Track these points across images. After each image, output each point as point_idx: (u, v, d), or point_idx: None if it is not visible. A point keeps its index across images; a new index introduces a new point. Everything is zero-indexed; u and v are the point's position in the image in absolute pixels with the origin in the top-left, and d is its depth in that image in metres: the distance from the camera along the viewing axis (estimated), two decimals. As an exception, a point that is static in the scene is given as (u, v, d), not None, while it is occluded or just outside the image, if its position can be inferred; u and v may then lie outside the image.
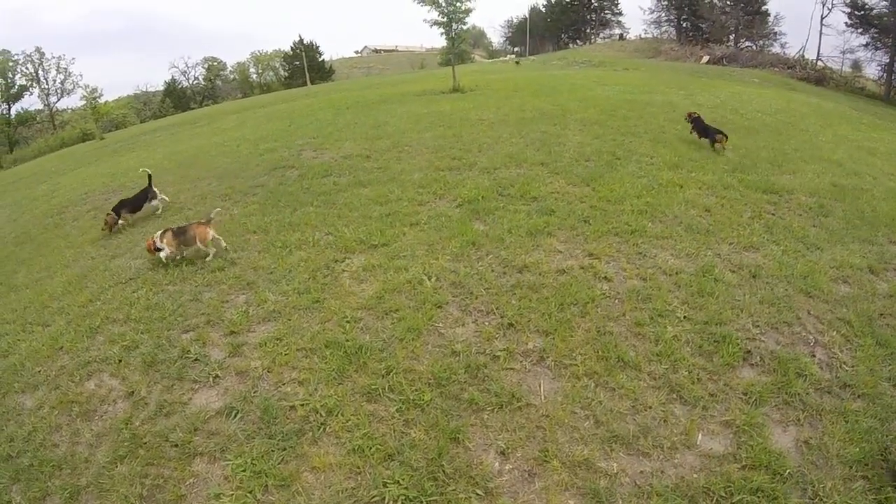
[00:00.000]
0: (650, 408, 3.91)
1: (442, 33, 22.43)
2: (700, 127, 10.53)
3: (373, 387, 4.26)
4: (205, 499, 3.62)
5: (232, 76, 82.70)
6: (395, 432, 3.86)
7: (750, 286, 5.33)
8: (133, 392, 4.71)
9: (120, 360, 5.16)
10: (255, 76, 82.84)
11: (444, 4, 21.25)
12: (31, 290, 7.49)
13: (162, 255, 6.93)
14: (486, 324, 4.89)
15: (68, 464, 4.12)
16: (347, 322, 5.09)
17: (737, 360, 4.34)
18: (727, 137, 10.04)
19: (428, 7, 21.40)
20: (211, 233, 6.94)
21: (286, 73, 79.18)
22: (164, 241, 6.90)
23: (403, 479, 3.50)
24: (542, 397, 4.07)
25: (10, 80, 62.06)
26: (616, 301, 5.11)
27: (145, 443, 4.14)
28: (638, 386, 4.10)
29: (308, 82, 68.50)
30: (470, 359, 4.44)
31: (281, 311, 5.45)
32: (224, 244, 7.15)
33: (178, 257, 7.06)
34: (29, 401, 4.95)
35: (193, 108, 64.06)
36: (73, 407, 4.69)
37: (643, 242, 6.16)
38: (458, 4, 21.27)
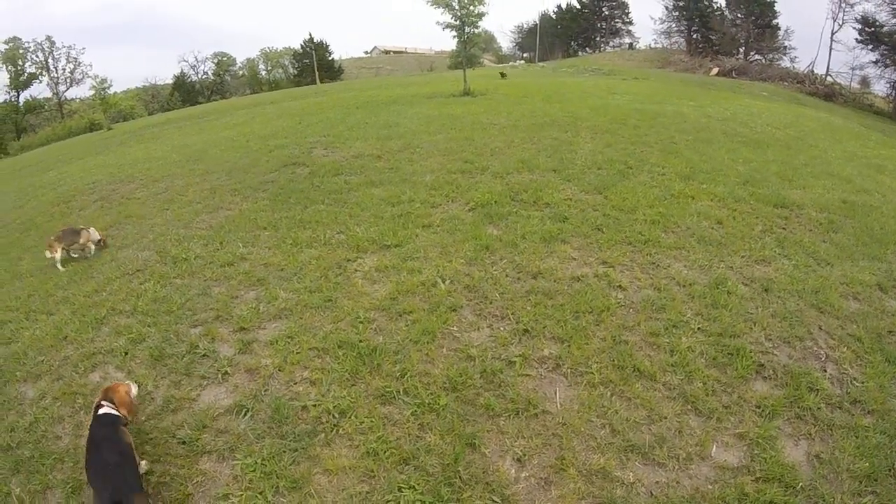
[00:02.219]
0: (665, 418, 3.90)
1: (454, 36, 22.50)
2: None
3: (387, 389, 4.23)
4: (213, 498, 3.59)
5: (241, 72, 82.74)
6: (410, 436, 3.83)
7: (762, 299, 5.32)
8: (139, 386, 4.63)
9: (126, 353, 5.12)
10: (264, 73, 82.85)
11: (457, 7, 21.26)
12: (35, 277, 7.45)
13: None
14: (501, 329, 4.86)
15: (71, 457, 4.08)
16: (360, 322, 5.06)
17: (750, 372, 4.33)
18: None
19: (441, 9, 21.40)
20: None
21: (295, 71, 79.32)
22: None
23: (419, 485, 3.47)
24: (559, 405, 4.05)
25: (19, 68, 62.24)
26: (630, 310, 5.09)
27: (151, 438, 4.10)
28: (653, 396, 4.08)
29: (317, 81, 68.64)
30: (485, 364, 4.41)
31: (292, 309, 5.41)
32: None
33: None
34: (31, 390, 4.91)
35: (202, 103, 64.14)
36: (76, 399, 4.64)
37: (656, 252, 6.14)
38: (472, 8, 21.27)
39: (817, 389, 4.18)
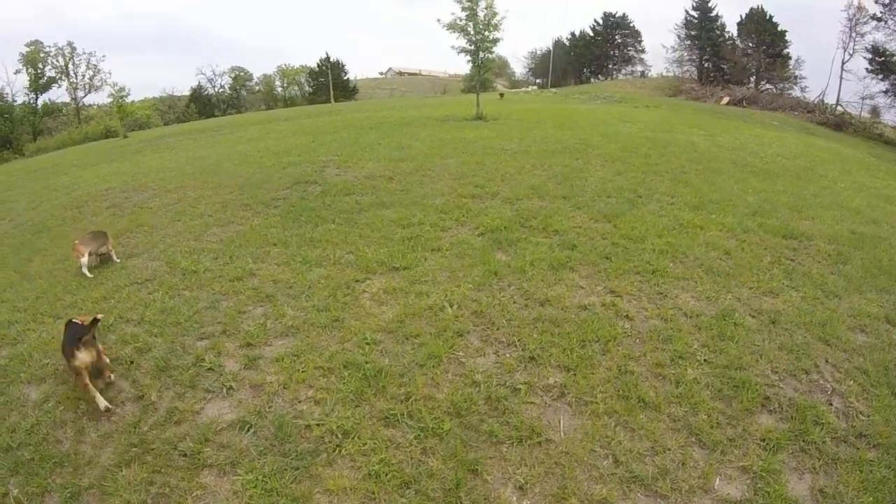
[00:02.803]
0: (669, 450, 3.87)
1: (469, 61, 22.82)
2: None
3: (391, 412, 4.22)
4: None
5: (257, 87, 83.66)
6: (413, 460, 3.82)
7: (769, 332, 5.29)
8: (143, 396, 4.69)
9: (132, 362, 5.15)
10: (279, 89, 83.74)
11: (472, 33, 21.61)
12: (44, 280, 7.51)
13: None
14: (508, 355, 4.85)
15: (71, 462, 4.09)
16: (367, 344, 5.07)
17: (755, 405, 4.30)
18: None
19: (457, 34, 21.81)
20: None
21: (310, 89, 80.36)
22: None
23: None
24: (562, 433, 4.03)
25: (39, 71, 63.24)
26: (637, 340, 5.08)
27: (153, 449, 4.11)
28: (658, 427, 4.06)
29: (332, 99, 69.33)
30: (490, 390, 4.41)
31: (299, 328, 5.43)
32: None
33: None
34: (34, 393, 4.93)
35: (217, 116, 64.96)
36: (80, 404, 4.66)
37: (664, 283, 6.13)
38: (487, 34, 21.63)
39: (823, 423, 4.15)
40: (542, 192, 9.40)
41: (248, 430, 4.18)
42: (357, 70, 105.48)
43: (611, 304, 5.66)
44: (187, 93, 76.72)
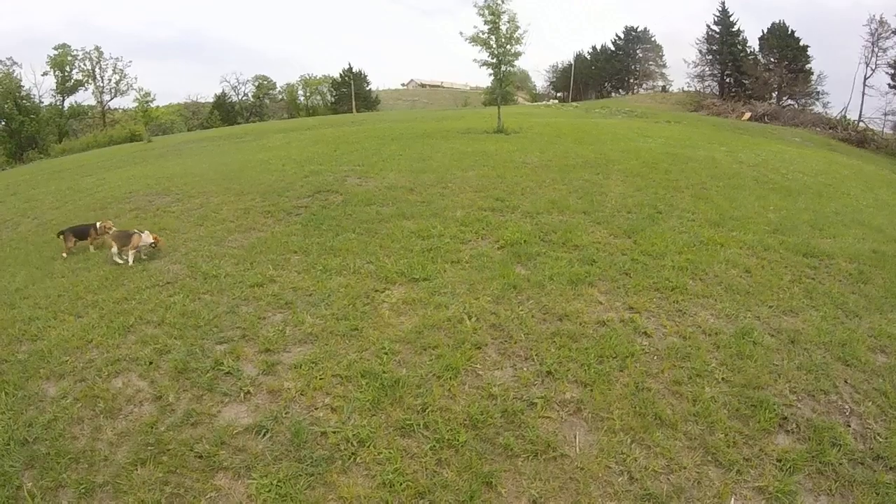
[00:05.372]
0: (685, 468, 3.84)
1: (490, 74, 22.95)
2: None
3: (407, 422, 4.24)
4: None
5: (280, 96, 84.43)
6: (428, 470, 3.83)
7: (788, 351, 5.23)
8: (161, 397, 4.75)
9: (150, 363, 5.22)
10: (302, 98, 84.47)
11: (494, 46, 21.75)
12: (67, 279, 7.64)
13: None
14: (525, 369, 4.86)
15: (86, 458, 4.14)
16: (385, 353, 5.10)
17: (773, 425, 4.26)
18: None
19: (479, 47, 21.95)
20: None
21: (333, 99, 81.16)
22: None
23: None
24: (578, 449, 4.02)
25: (66, 74, 64.24)
26: (655, 357, 5.05)
27: (169, 449, 4.15)
28: (674, 445, 4.03)
29: (354, 110, 69.89)
30: (507, 403, 4.41)
31: (318, 335, 5.48)
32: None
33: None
34: (52, 389, 5.01)
35: (240, 123, 65.69)
36: (97, 402, 4.73)
37: (683, 300, 6.10)
38: (509, 47, 21.77)
39: (840, 444, 4.09)
40: (563, 206, 9.41)
41: (264, 435, 4.22)
42: (379, 81, 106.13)
43: (629, 320, 5.64)
44: (211, 100, 77.90)
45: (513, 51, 21.94)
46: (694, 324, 5.63)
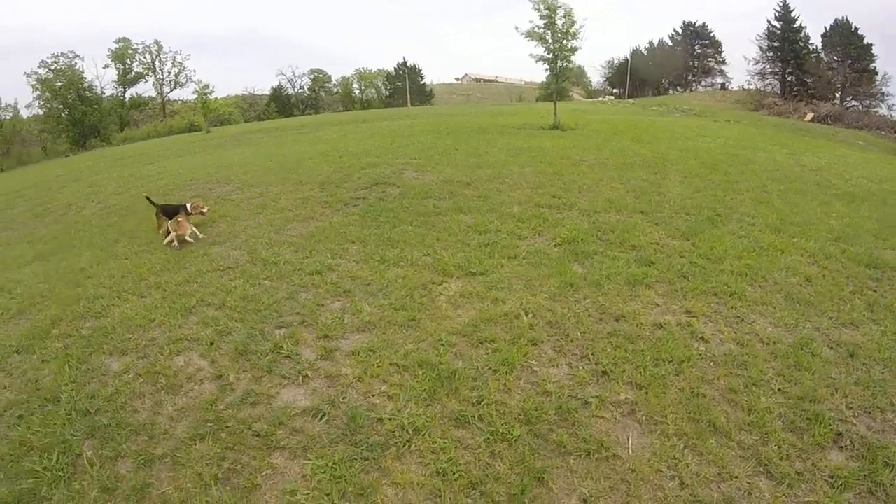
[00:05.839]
0: (736, 478, 3.78)
1: (546, 69, 22.71)
2: None
3: (462, 413, 4.29)
4: (280, 493, 3.73)
5: (335, 89, 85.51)
6: (480, 462, 3.87)
7: (847, 365, 5.06)
8: (221, 376, 4.92)
9: (211, 343, 5.41)
10: (357, 91, 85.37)
11: (550, 41, 21.53)
12: (130, 260, 7.97)
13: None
14: (580, 368, 4.85)
15: (146, 431, 4.32)
16: (442, 345, 5.16)
17: (827, 440, 4.14)
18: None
19: (535, 42, 21.74)
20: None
21: (387, 92, 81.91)
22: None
23: None
24: (630, 450, 4.00)
25: (127, 66, 67.34)
26: (711, 363, 4.96)
27: (228, 427, 4.30)
28: (726, 454, 3.96)
29: (409, 103, 70.35)
30: (562, 401, 4.41)
31: (376, 324, 5.58)
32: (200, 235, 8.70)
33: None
34: (115, 364, 5.24)
35: (296, 115, 66.98)
36: (159, 378, 4.94)
37: (741, 306, 5.96)
38: (565, 42, 21.51)
39: (893, 465, 3.95)
40: (620, 205, 9.31)
41: (321, 418, 4.34)
42: (433, 75, 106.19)
43: (686, 324, 5.56)
44: (267, 92, 79.49)
45: (569, 46, 21.63)
46: (752, 331, 5.50)
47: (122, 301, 6.58)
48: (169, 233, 8.55)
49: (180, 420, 4.45)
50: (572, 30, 21.22)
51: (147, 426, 4.39)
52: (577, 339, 5.25)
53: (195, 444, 4.15)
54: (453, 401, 4.44)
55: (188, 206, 9.14)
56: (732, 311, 5.86)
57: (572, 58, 22.48)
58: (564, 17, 20.96)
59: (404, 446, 4.02)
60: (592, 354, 5.02)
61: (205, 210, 9.37)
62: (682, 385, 4.65)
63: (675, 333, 5.37)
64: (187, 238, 8.44)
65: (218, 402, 4.61)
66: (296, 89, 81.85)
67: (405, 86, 76.86)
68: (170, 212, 9.08)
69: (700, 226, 8.35)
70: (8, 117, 60.92)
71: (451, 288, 6.33)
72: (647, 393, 4.53)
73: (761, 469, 3.87)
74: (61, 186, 17.98)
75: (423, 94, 79.65)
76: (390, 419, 4.26)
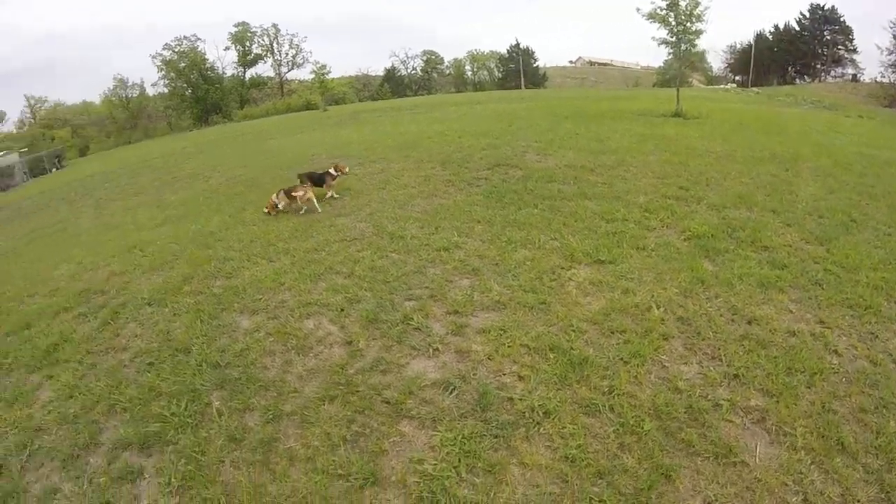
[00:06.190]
0: (858, 501, 3.66)
1: (670, 53, 22.01)
2: None
3: (593, 401, 4.37)
4: (407, 460, 3.94)
5: (448, 71, 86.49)
6: (609, 452, 3.94)
7: (982, 398, 4.74)
8: (351, 342, 5.21)
9: (341, 310, 5.74)
10: (469, 73, 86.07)
11: (673, 24, 20.68)
12: (258, 227, 8.58)
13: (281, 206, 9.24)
14: (711, 368, 4.80)
15: (276, 388, 4.67)
16: (573, 331, 5.23)
17: (954, 471, 3.93)
18: None
19: (657, 25, 20.95)
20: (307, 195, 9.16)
21: (500, 75, 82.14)
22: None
23: (610, 502, 3.57)
24: (758, 459, 3.95)
25: (247, 48, 72.51)
26: (843, 379, 4.77)
27: (358, 391, 4.57)
28: (851, 475, 3.83)
29: (522, 86, 69.98)
30: (692, 400, 4.40)
31: (506, 304, 5.73)
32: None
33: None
34: (246, 322, 5.67)
35: (409, 96, 68.49)
36: (289, 339, 5.29)
37: (876, 322, 5.63)
38: (689, 25, 20.56)
39: None
40: (750, 202, 8.95)
41: (451, 392, 4.53)
42: (546, 58, 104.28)
43: (820, 334, 5.35)
44: (381, 73, 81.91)
45: (693, 28, 20.64)
46: (885, 350, 5.20)
47: (252, 264, 7.08)
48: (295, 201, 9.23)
49: (309, 380, 4.77)
50: (696, 11, 20.24)
51: (276, 383, 4.75)
52: (708, 339, 5.19)
53: (324, 405, 4.45)
54: (584, 388, 4.53)
55: (331, 169, 9.80)
56: (867, 327, 5.56)
57: (697, 41, 21.53)
58: (689, -3, 19.98)
59: (534, 428, 4.15)
60: (724, 356, 4.96)
61: (346, 170, 10.01)
62: (812, 398, 4.52)
63: (809, 343, 5.20)
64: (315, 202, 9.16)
65: (348, 366, 4.90)
66: (409, 70, 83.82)
67: (518, 68, 76.30)
68: (315, 178, 9.70)
69: (834, 231, 7.92)
70: (135, 95, 67.23)
71: (580, 274, 6.37)
72: (777, 402, 4.44)
73: (883, 496, 3.73)
74: (187, 158, 19.31)
75: (536, 77, 79.12)
76: (521, 399, 4.40)
